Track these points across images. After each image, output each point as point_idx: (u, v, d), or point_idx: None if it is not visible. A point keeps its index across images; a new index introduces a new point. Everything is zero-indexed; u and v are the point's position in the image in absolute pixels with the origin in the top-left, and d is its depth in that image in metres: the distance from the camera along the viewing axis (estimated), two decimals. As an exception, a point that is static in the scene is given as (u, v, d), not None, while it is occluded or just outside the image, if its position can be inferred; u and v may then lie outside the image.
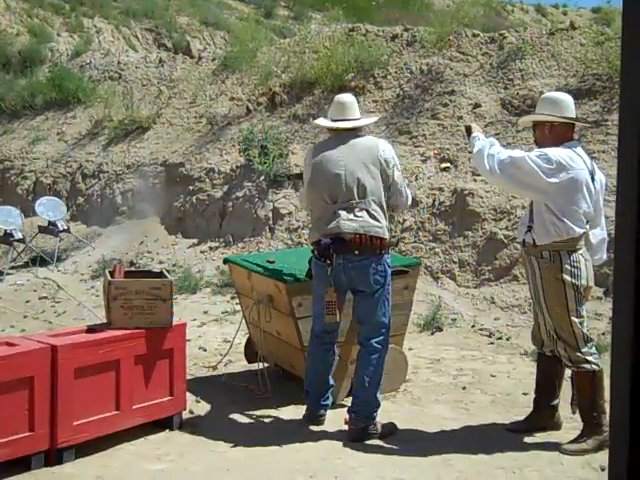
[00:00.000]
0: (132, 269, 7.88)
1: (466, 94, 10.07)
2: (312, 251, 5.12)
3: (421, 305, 7.48)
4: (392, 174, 5.01)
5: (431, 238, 8.46)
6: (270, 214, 9.97)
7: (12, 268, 11.30)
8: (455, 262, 7.93)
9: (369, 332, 5.04)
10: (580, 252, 4.66)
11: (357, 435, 4.94)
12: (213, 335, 7.49)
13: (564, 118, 4.80)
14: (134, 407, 4.92)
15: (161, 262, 9.87)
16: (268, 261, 5.95)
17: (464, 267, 8.00)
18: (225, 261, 6.55)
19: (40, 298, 9.46)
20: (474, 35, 11.24)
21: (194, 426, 5.22)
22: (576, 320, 4.62)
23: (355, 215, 4.84)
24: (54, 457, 4.55)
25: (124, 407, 4.86)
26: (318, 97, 11.68)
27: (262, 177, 10.40)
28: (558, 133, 4.78)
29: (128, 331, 4.92)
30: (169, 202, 11.40)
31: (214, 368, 6.44)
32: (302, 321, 5.51)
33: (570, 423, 5.07)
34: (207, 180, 11.15)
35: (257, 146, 10.55)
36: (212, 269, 9.50)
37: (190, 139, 12.44)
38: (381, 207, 4.94)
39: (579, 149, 4.83)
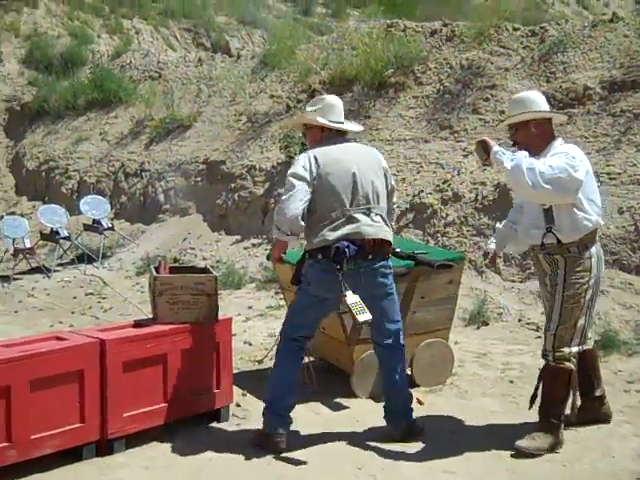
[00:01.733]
0: (177, 265, 7.95)
1: (507, 88, 9.99)
2: (309, 256, 4.75)
3: (466, 299, 7.44)
4: (390, 184, 4.95)
5: (475, 232, 8.42)
6: (312, 210, 9.99)
7: (59, 265, 11.48)
8: (500, 256, 7.87)
9: (385, 335, 4.86)
10: (597, 242, 4.67)
11: (405, 433, 4.84)
12: (258, 330, 7.54)
13: (549, 113, 4.78)
14: (182, 400, 4.96)
15: (204, 259, 9.95)
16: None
17: (509, 261, 7.94)
18: (268, 257, 6.57)
19: (87, 294, 9.59)
20: (514, 29, 11.15)
21: (241, 419, 5.26)
22: (582, 317, 4.53)
23: (373, 220, 4.70)
24: (105, 448, 4.61)
25: (172, 400, 4.90)
26: (357, 93, 11.67)
27: (303, 174, 10.41)
28: (545, 130, 4.69)
29: (174, 326, 4.96)
30: (211, 199, 11.48)
31: (260, 362, 6.47)
32: (346, 315, 5.51)
33: (620, 416, 5.03)
34: (248, 177, 11.21)
35: (298, 143, 10.56)
36: (255, 265, 9.56)
37: (231, 137, 12.51)
38: (388, 214, 4.88)
39: None
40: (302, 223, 4.60)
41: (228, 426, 5.14)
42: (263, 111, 12.61)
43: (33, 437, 4.31)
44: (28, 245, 11.53)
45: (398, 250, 5.86)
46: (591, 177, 4.60)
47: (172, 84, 15.59)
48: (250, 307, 8.43)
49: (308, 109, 4.98)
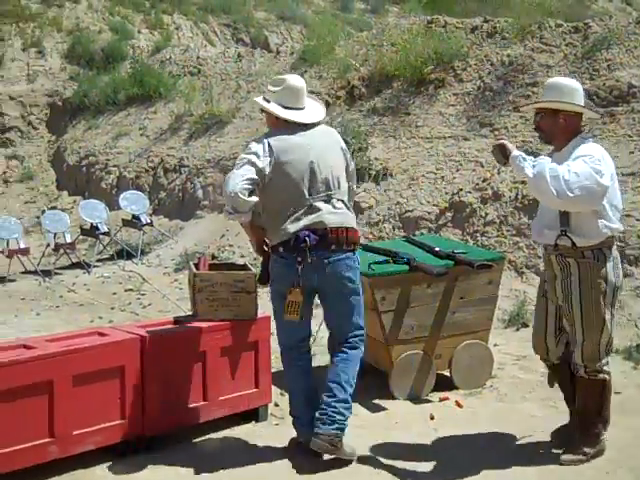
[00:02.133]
0: (216, 262, 7.96)
1: (550, 85, 9.86)
2: (272, 252, 4.52)
3: (506, 300, 7.36)
4: (350, 164, 4.67)
5: (515, 232, 8.33)
6: (351, 208, 9.96)
7: (98, 261, 11.58)
8: (540, 257, 7.77)
9: (345, 333, 4.59)
10: (614, 247, 4.43)
11: (324, 446, 4.38)
12: (295, 328, 7.51)
13: (586, 108, 4.50)
14: (220, 398, 4.97)
15: (242, 256, 9.96)
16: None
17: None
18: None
19: (126, 290, 9.66)
20: (557, 25, 11.02)
21: (279, 419, 5.25)
22: (609, 327, 4.34)
23: (335, 207, 4.43)
24: (144, 444, 4.64)
25: (211, 398, 4.91)
26: (397, 90, 11.62)
27: (342, 171, 10.39)
28: (573, 123, 4.41)
29: (214, 323, 4.96)
30: (250, 196, 11.47)
31: (298, 361, 6.45)
32: (386, 315, 5.50)
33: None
34: (286, 173, 11.20)
35: (336, 139, 10.53)
36: (294, 263, 9.54)
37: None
38: (349, 198, 4.62)
39: None
40: (245, 199, 4.26)
41: (266, 426, 5.14)
42: (302, 107, 12.59)
43: (75, 433, 4.35)
44: (69, 240, 11.65)
45: (437, 249, 5.84)
46: (615, 180, 4.35)
47: (211, 80, 15.64)
48: (288, 305, 8.40)
49: (270, 88, 4.65)
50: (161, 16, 21.30)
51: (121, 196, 12.21)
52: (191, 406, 4.85)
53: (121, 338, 4.67)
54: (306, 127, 4.50)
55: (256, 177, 4.33)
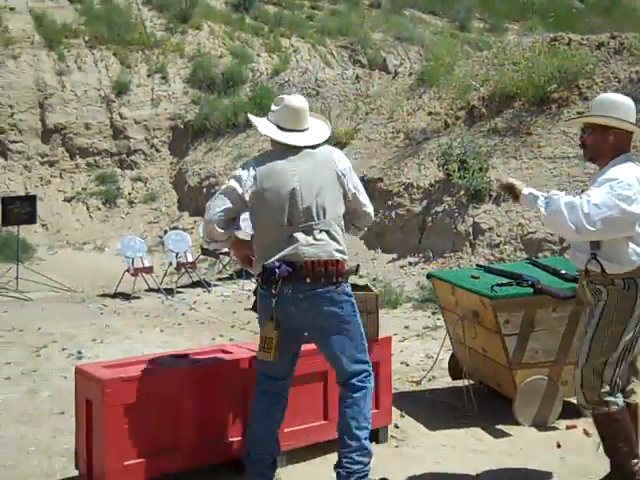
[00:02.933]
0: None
1: (681, 103, 9.48)
2: (257, 282, 4.31)
3: (635, 325, 7.06)
4: (350, 187, 4.30)
5: None
6: (470, 229, 9.83)
7: (218, 280, 11.80)
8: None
9: (344, 373, 4.25)
10: None
11: None
12: (415, 350, 7.45)
13: (635, 126, 4.09)
14: (341, 418, 4.95)
15: (360, 276, 9.95)
16: (473, 277, 5.83)
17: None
18: (429, 276, 6.47)
19: (245, 309, 9.79)
20: (689, 40, 10.62)
21: (400, 440, 5.19)
22: (615, 357, 3.98)
23: (315, 238, 4.11)
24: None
25: (332, 418, 4.89)
26: (519, 109, 11.43)
27: (462, 192, 10.28)
28: (623, 143, 4.06)
29: (335, 343, 4.95)
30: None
31: (418, 383, 6.39)
32: (509, 338, 5.36)
33: None
34: (406, 195, 11.18)
35: (456, 160, 10.45)
36: (412, 284, 9.49)
37: (388, 154, 12.52)
38: (341, 227, 4.24)
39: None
40: (219, 231, 4.21)
41: (386, 447, 5.08)
42: (421, 128, 12.55)
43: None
44: (190, 259, 11.94)
45: (563, 272, 5.65)
46: None
47: (330, 101, 15.80)
48: (407, 327, 8.35)
49: (272, 107, 4.37)
50: (280, 39, 21.70)
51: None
52: (312, 425, 4.85)
53: (244, 356, 4.72)
54: (295, 149, 4.22)
55: (232, 206, 4.20)
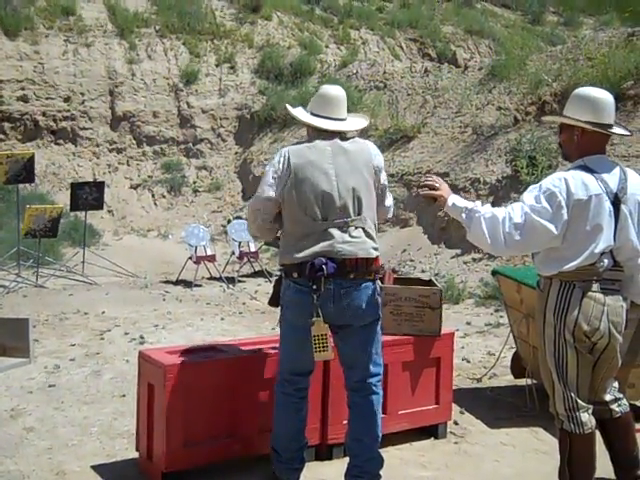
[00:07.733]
0: (401, 276, 7.94)
1: None
2: (285, 275, 4.11)
3: None
4: (382, 183, 4.24)
5: None
6: (537, 226, 9.65)
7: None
8: None
9: (362, 372, 4.14)
10: (592, 284, 3.71)
11: None
12: (476, 347, 7.36)
13: (595, 125, 3.72)
14: (400, 412, 4.91)
15: (423, 271, 9.89)
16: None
17: None
18: (494, 273, 6.37)
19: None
20: None
21: (459, 437, 5.13)
22: (552, 370, 3.82)
23: (351, 236, 3.99)
24: (325, 452, 4.67)
25: (391, 411, 4.85)
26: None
27: (529, 188, 10.10)
28: (587, 142, 3.75)
29: (397, 337, 4.91)
30: (433, 212, 11.39)
31: (479, 380, 6.31)
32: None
33: None
34: (472, 190, 11.03)
35: (525, 157, 10.27)
36: (475, 280, 9.37)
37: (455, 149, 12.38)
38: (374, 223, 4.14)
39: (605, 163, 3.81)
40: (269, 228, 4.17)
41: (445, 443, 5.02)
42: (489, 123, 12.37)
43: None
44: (253, 249, 11.99)
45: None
46: (589, 211, 3.64)
47: (397, 94, 15.69)
48: (469, 323, 8.26)
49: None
50: (349, 31, 21.60)
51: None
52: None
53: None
54: (337, 136, 4.15)
55: (271, 204, 4.08)
